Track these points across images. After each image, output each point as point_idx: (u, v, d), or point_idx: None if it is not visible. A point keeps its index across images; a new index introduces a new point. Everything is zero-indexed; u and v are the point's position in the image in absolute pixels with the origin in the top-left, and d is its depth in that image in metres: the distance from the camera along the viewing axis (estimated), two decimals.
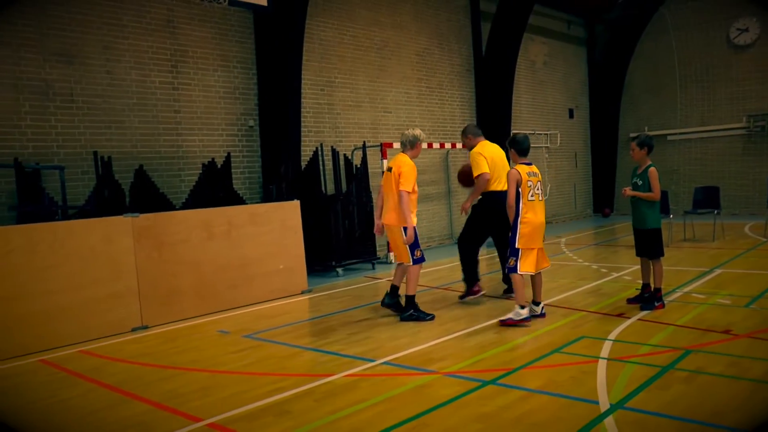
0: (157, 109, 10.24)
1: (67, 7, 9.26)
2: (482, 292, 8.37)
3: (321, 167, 11.73)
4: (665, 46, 19.95)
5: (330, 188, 11.98)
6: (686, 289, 8.42)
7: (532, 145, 18.14)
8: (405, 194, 7.32)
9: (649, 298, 7.47)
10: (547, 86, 19.41)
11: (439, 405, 4.66)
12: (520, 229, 6.95)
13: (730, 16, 18.78)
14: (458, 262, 8.62)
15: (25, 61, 8.92)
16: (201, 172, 10.28)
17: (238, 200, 10.47)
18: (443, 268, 11.32)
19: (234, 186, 10.72)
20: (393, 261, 8.03)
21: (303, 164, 11.77)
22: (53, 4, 9.14)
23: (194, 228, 8.47)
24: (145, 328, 7.80)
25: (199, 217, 8.60)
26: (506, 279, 8.40)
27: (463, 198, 15.90)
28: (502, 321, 7.00)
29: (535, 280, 7.26)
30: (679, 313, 7.10)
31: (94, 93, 9.56)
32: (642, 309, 7.34)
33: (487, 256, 11.41)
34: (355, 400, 4.86)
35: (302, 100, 11.98)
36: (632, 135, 19.51)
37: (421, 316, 7.46)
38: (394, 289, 7.83)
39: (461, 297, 8.48)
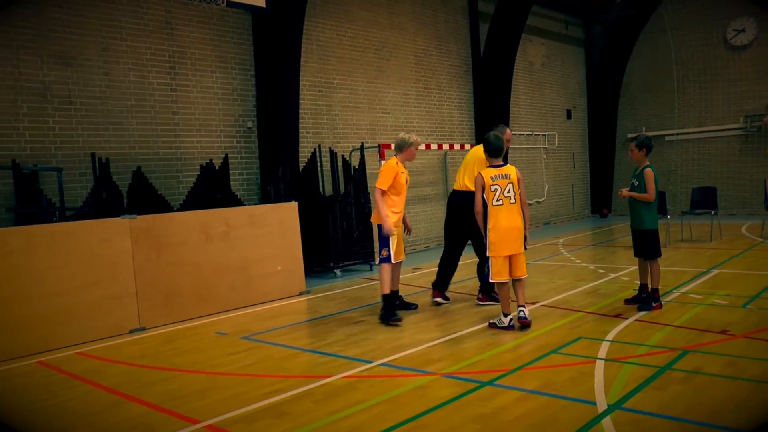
0: (155, 110, 10.24)
1: (65, 9, 9.26)
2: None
3: (319, 168, 11.74)
4: (663, 46, 19.98)
5: (328, 189, 11.98)
6: (684, 289, 8.43)
7: (530, 146, 18.17)
8: (376, 191, 7.41)
9: (646, 299, 7.48)
10: (545, 87, 19.43)
11: (437, 406, 4.67)
12: (488, 236, 6.87)
13: (727, 17, 18.81)
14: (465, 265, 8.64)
15: (23, 63, 8.92)
16: (199, 173, 10.28)
17: (236, 201, 10.48)
18: None
19: (232, 187, 10.73)
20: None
21: (301, 165, 11.78)
22: (52, 6, 9.15)
23: (192, 229, 8.48)
24: (143, 329, 7.79)
25: (197, 219, 8.60)
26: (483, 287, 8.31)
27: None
28: (490, 323, 7.03)
29: (515, 288, 7.06)
30: (677, 314, 7.11)
31: (92, 95, 9.56)
32: (639, 309, 7.35)
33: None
34: (354, 401, 4.87)
35: (300, 101, 11.99)
36: (630, 136, 19.60)
37: (386, 317, 7.45)
38: (393, 292, 7.85)
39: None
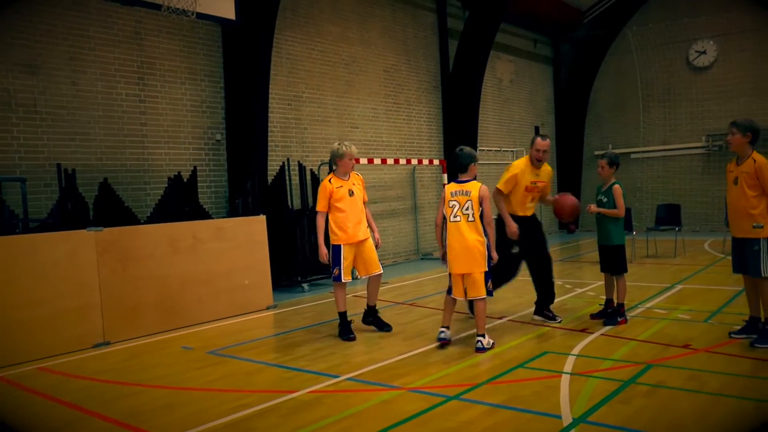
0: (123, 121, 10.15)
1: (31, 17, 9.16)
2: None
3: (287, 182, 11.71)
4: (628, 66, 20.39)
5: (296, 203, 11.96)
6: (648, 304, 8.56)
7: (498, 162, 18.27)
8: (317, 214, 7.45)
9: (612, 314, 7.58)
10: (514, 104, 19.64)
11: (403, 420, 4.67)
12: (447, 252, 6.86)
13: (689, 39, 19.35)
14: (423, 277, 8.63)
15: None
16: (167, 185, 10.21)
17: (203, 214, 10.42)
18: (409, 284, 11.34)
19: (200, 200, 10.67)
20: (358, 277, 7.96)
21: (269, 179, 11.75)
22: (17, 14, 9.03)
23: (159, 242, 8.41)
24: (108, 344, 7.68)
25: (164, 232, 8.53)
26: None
27: (430, 214, 16.05)
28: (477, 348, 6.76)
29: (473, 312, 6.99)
30: (641, 328, 7.22)
31: (59, 104, 9.45)
32: (605, 324, 7.45)
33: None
34: (320, 416, 4.86)
35: (269, 114, 11.98)
36: (597, 153, 19.93)
37: (341, 333, 7.46)
38: (369, 308, 7.87)
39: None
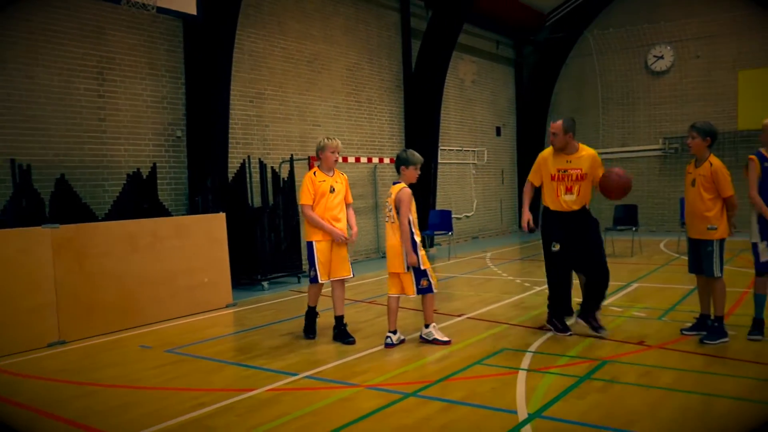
0: (81, 116, 9.99)
1: None
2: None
3: (248, 179, 11.66)
4: (589, 69, 20.73)
5: (257, 201, 11.91)
6: (605, 302, 8.68)
7: (460, 162, 18.41)
8: (302, 208, 7.18)
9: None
10: (476, 104, 19.79)
11: (360, 417, 4.71)
12: None
13: (648, 44, 19.77)
14: (383, 276, 8.62)
15: None
16: (126, 182, 10.09)
17: (163, 212, 10.32)
18: (369, 282, 11.38)
19: (159, 197, 10.56)
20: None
21: (230, 176, 11.68)
22: None
23: (118, 240, 8.31)
24: (63, 343, 7.57)
25: (122, 229, 8.44)
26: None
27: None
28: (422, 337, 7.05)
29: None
30: None
31: (13, 98, 9.25)
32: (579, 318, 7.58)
33: None
34: (278, 414, 4.86)
35: (231, 111, 11.90)
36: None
37: (304, 331, 7.46)
38: (336, 319, 7.41)
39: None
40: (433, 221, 15.41)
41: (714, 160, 6.47)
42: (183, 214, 10.91)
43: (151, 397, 5.48)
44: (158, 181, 10.61)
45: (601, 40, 20.47)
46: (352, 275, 7.35)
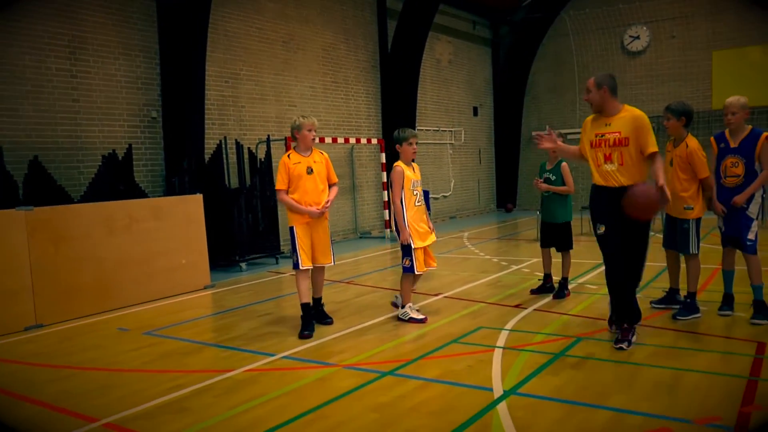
0: (53, 97, 9.87)
1: None
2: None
3: (225, 160, 11.61)
4: (565, 49, 20.77)
5: (234, 182, 11.87)
6: (580, 280, 8.84)
7: (437, 142, 18.46)
8: (277, 193, 6.88)
9: (560, 288, 7.89)
10: (452, 84, 19.79)
11: (337, 397, 4.76)
12: None
13: (624, 24, 19.84)
14: (360, 256, 8.63)
15: None
16: (101, 163, 9.99)
17: (139, 193, 10.25)
18: (347, 263, 11.41)
19: (136, 179, 10.48)
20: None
21: (207, 157, 11.62)
22: None
23: (94, 222, 8.26)
24: (40, 326, 7.53)
25: (98, 211, 8.39)
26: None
27: (368, 193, 16.10)
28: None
29: None
30: (573, 303, 7.51)
31: None
32: (555, 297, 7.77)
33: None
34: (255, 394, 4.90)
35: (206, 91, 11.82)
36: (536, 133, 20.21)
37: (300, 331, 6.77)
38: (314, 300, 7.16)
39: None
40: None
41: (691, 141, 6.51)
42: (160, 196, 10.84)
43: (129, 379, 5.48)
44: (134, 163, 10.53)
45: (577, 21, 20.52)
46: (332, 263, 7.07)
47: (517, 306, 7.50)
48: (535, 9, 20.45)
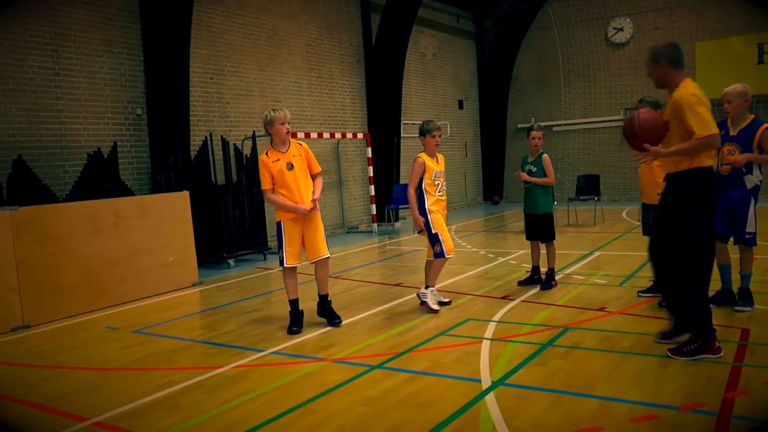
0: (36, 95, 9.80)
1: None
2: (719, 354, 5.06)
3: (211, 157, 11.59)
4: (549, 42, 20.86)
5: (220, 179, 11.85)
6: (567, 271, 8.90)
7: None
8: (263, 193, 6.67)
9: (546, 279, 7.91)
10: (437, 78, 19.82)
11: (327, 391, 4.78)
12: None
13: (608, 16, 19.99)
14: (348, 251, 8.63)
15: None
16: (86, 162, 9.96)
17: (125, 191, 10.23)
18: (335, 257, 11.40)
19: (121, 177, 10.46)
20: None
21: (192, 154, 11.59)
22: None
23: (80, 221, 8.23)
24: (27, 327, 7.50)
25: (84, 210, 8.35)
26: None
27: (355, 188, 16.10)
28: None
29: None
30: (560, 294, 7.55)
31: None
32: (542, 289, 7.81)
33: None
34: (245, 390, 4.91)
35: (191, 88, 11.78)
36: (522, 125, 20.44)
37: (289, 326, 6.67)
38: (320, 297, 6.93)
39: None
40: (397, 195, 15.49)
41: None
42: (146, 194, 10.81)
43: (119, 377, 5.48)
44: (120, 161, 10.50)
45: (561, 13, 20.61)
46: (328, 255, 6.74)
47: (504, 297, 7.55)
48: (518, 1, 20.50)
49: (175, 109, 11.21)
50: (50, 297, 7.81)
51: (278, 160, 6.51)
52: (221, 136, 11.90)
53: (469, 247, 11.96)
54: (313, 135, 13.83)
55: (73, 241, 8.10)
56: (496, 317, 6.66)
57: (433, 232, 7.00)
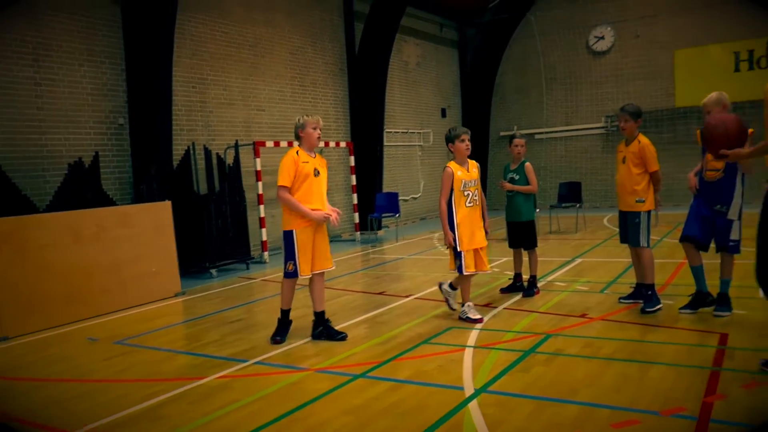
0: (17, 105, 9.73)
1: None
2: None
3: (193, 166, 11.55)
4: (532, 50, 21.06)
5: (203, 188, 11.80)
6: (550, 278, 8.96)
7: (406, 144, 18.55)
8: (279, 190, 6.33)
9: (529, 286, 7.97)
10: (420, 86, 19.89)
11: (310, 400, 4.78)
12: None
13: (589, 25, 20.23)
14: (333, 259, 8.56)
15: None
16: (67, 172, 9.88)
17: (107, 201, 10.16)
18: None
19: (103, 187, 10.38)
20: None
21: (175, 163, 11.55)
22: None
23: (61, 231, 8.17)
24: (6, 339, 7.40)
25: (65, 220, 8.30)
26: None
27: (338, 196, 16.10)
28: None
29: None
30: (543, 301, 7.61)
31: None
32: (524, 296, 7.86)
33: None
34: (229, 400, 4.90)
35: (173, 97, 11.74)
36: (504, 134, 20.58)
37: (272, 335, 6.54)
38: (317, 315, 6.65)
39: None
40: (380, 203, 15.51)
41: (642, 138, 6.82)
42: (128, 204, 10.76)
43: (101, 389, 5.44)
44: (101, 171, 10.43)
45: (543, 22, 20.81)
46: (333, 267, 6.71)
47: (487, 305, 7.58)
48: (501, 10, 20.65)
49: (158, 118, 11.17)
50: (30, 308, 7.74)
51: (307, 162, 6.36)
52: (204, 145, 11.87)
53: None
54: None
55: (53, 252, 8.04)
56: (479, 325, 6.69)
57: (458, 250, 6.75)
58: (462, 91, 22.07)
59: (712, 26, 18.37)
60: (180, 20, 11.85)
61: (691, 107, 17.92)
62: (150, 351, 6.61)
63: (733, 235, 6.36)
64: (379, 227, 16.20)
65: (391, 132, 18.00)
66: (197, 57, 12.52)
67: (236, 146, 12.13)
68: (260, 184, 12.61)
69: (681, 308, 6.68)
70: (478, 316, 6.83)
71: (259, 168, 12.56)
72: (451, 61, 21.62)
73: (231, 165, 11.90)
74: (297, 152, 6.38)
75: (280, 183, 6.27)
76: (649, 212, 6.77)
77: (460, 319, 6.92)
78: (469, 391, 4.75)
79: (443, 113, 21.00)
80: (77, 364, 6.31)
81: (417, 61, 19.67)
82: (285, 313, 6.59)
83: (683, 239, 6.54)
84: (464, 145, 6.95)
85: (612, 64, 19.98)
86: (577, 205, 14.37)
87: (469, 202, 6.85)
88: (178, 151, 11.75)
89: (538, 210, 8.50)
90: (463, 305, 6.99)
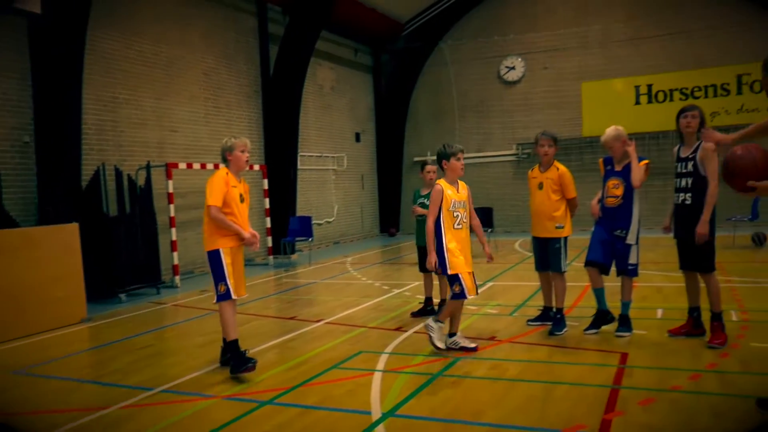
0: None
1: None
2: None
3: (103, 187, 11.25)
4: (445, 78, 21.59)
5: (113, 210, 11.49)
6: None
7: (320, 168, 18.58)
8: (209, 209, 6.07)
9: (439, 310, 7.99)
10: (335, 110, 20.01)
11: (217, 429, 4.72)
12: None
13: (500, 55, 20.95)
14: (250, 284, 8.49)
15: None
16: None
17: (10, 223, 9.77)
18: None
19: (5, 207, 9.99)
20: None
21: (84, 184, 11.21)
22: None
23: None
24: None
25: None
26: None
27: (252, 219, 15.93)
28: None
29: None
30: None
31: None
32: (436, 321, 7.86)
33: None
34: (134, 430, 4.79)
35: (83, 115, 11.42)
36: (418, 159, 20.89)
37: (236, 367, 5.98)
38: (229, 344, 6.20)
39: None
40: (293, 227, 15.44)
41: (559, 165, 7.07)
42: (32, 225, 10.36)
43: None
44: (3, 190, 10.03)
45: (455, 51, 21.39)
46: (246, 295, 6.54)
47: (397, 329, 7.66)
48: (414, 38, 21.13)
49: (66, 137, 10.83)
50: None
51: (235, 187, 6.21)
52: (115, 166, 11.57)
53: (364, 279, 12.07)
54: (210, 166, 13.64)
55: None
56: (389, 349, 6.76)
57: (449, 273, 6.37)
58: (376, 116, 22.32)
59: (615, 61, 19.40)
60: (92, 37, 11.56)
61: (597, 137, 18.30)
62: (52, 380, 6.36)
63: (632, 259, 6.72)
64: (293, 251, 16.12)
65: (305, 155, 18.02)
66: (109, 75, 12.24)
67: (148, 167, 11.89)
68: (172, 206, 12.38)
69: (585, 329, 6.94)
70: (473, 345, 6.56)
71: (171, 190, 12.34)
72: (365, 86, 21.86)
73: (142, 186, 11.66)
74: (227, 173, 6.21)
75: (210, 203, 6.05)
76: (566, 238, 7.04)
77: (452, 350, 6.51)
78: (376, 415, 4.80)
79: (357, 138, 21.17)
80: None
81: (332, 85, 19.80)
82: (235, 344, 6.08)
83: (587, 264, 6.83)
84: (460, 163, 6.55)
85: (523, 94, 20.69)
86: (489, 230, 14.75)
87: (458, 224, 6.45)
88: (87, 172, 11.41)
89: None
90: (454, 335, 6.62)
